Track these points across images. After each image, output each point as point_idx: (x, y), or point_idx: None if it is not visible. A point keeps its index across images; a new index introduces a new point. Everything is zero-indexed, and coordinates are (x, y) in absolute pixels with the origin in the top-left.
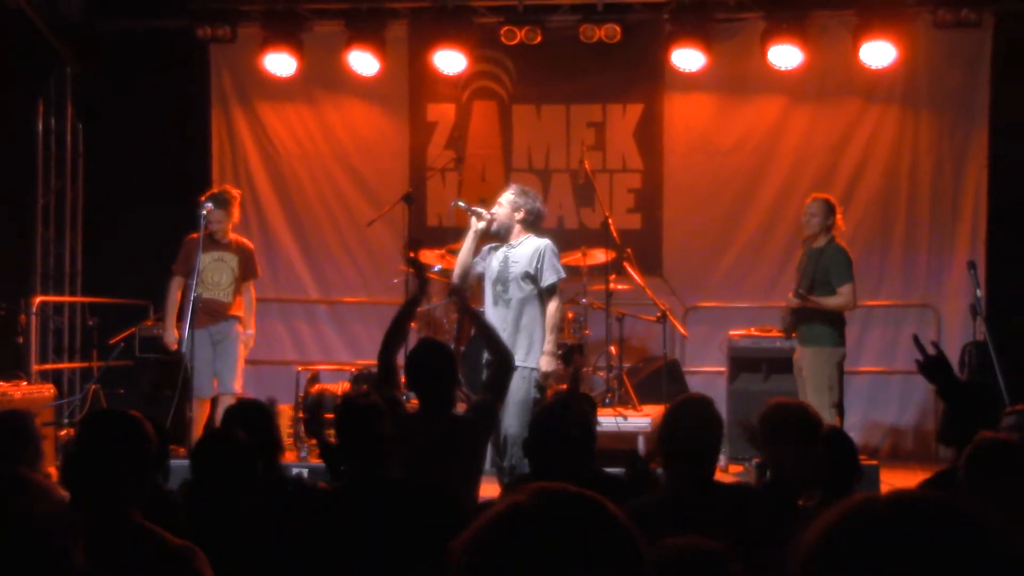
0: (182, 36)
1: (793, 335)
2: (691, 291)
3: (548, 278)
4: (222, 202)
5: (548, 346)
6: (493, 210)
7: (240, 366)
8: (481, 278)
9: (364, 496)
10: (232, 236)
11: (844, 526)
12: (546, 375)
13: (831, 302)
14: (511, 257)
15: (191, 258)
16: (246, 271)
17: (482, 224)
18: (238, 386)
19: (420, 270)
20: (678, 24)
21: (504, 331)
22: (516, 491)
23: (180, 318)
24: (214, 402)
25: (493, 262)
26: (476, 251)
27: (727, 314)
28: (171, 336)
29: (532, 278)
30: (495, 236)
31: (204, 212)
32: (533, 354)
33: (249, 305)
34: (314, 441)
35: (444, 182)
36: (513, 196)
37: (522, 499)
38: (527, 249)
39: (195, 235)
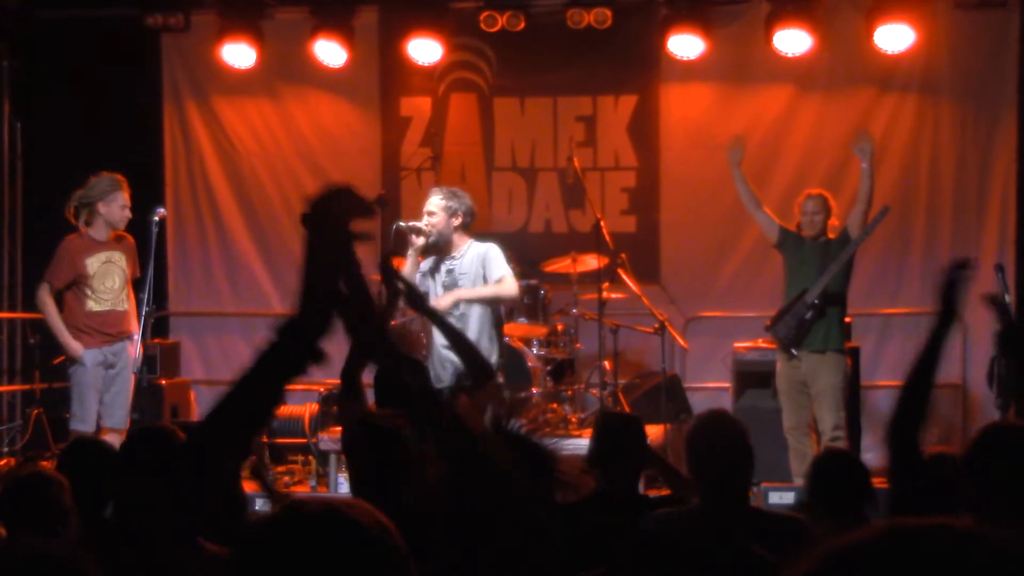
0: (130, 25)
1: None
2: (692, 300)
3: (500, 270)
4: (121, 186)
5: (465, 293)
6: (426, 220)
7: (131, 399)
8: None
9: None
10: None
11: (840, 559)
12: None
13: None
14: (457, 269)
15: (76, 264)
16: (134, 271)
17: (421, 240)
18: (127, 422)
19: (392, 280)
20: (674, 8)
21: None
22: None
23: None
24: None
25: (438, 278)
26: (417, 265)
27: (731, 325)
28: (76, 346)
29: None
30: (435, 248)
31: (157, 218)
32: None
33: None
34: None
35: (420, 183)
36: (444, 201)
37: (272, 514)
38: (472, 259)
39: (74, 236)
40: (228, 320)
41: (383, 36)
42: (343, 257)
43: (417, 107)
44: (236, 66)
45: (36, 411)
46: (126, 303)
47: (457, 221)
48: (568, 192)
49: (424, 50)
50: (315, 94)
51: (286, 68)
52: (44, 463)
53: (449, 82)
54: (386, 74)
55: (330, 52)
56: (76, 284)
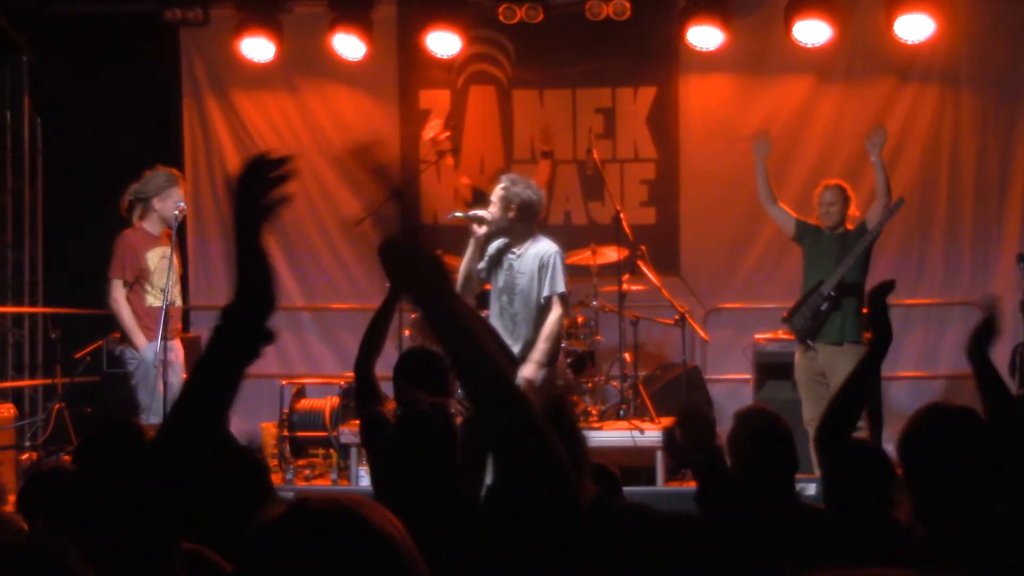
0: (149, 20)
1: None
2: (712, 291)
3: (549, 288)
4: (177, 181)
5: (537, 355)
6: (489, 209)
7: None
8: (487, 280)
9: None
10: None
11: None
12: (529, 382)
13: None
14: (516, 267)
15: (140, 257)
16: (178, 262)
17: (483, 229)
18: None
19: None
20: None
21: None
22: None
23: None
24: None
25: (499, 271)
26: (481, 254)
27: (752, 316)
28: (143, 341)
29: (537, 290)
30: (497, 237)
31: (177, 212)
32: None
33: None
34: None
35: (439, 176)
36: (502, 191)
37: (278, 512)
38: (531, 258)
39: (129, 230)
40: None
41: (402, 29)
42: (261, 234)
43: (436, 100)
44: (255, 60)
45: (58, 405)
46: (179, 299)
47: (512, 213)
48: (587, 184)
49: (443, 43)
50: (334, 87)
51: (305, 62)
52: (66, 457)
53: (468, 75)
54: (405, 67)
55: (349, 45)
56: (137, 280)
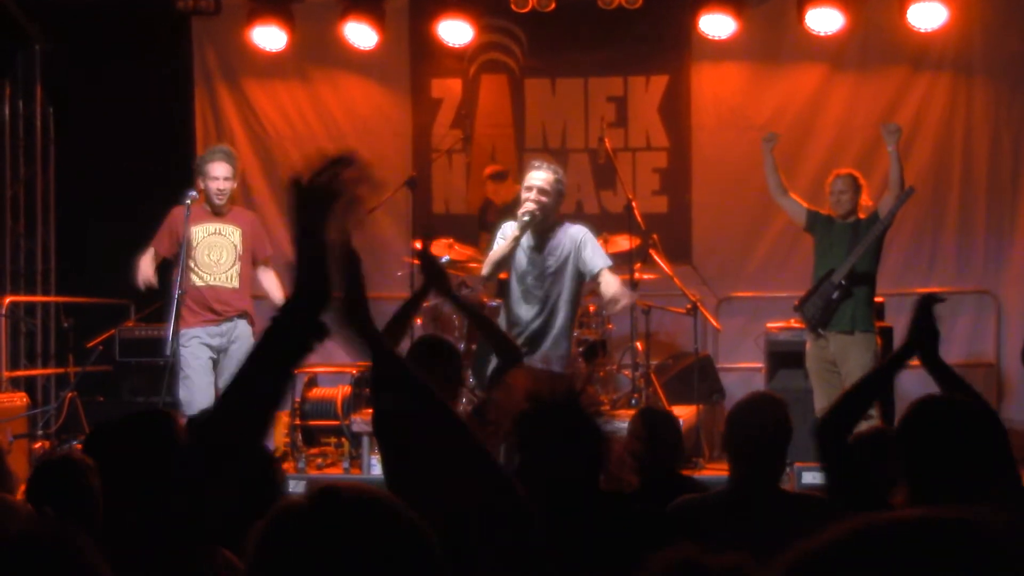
0: (161, 9)
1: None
2: (724, 280)
3: (599, 263)
4: (231, 157)
5: (627, 301)
6: (535, 197)
7: None
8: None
9: None
10: (230, 205)
11: (844, 542)
12: (613, 297)
13: None
14: (546, 250)
15: (176, 231)
16: (256, 248)
17: (527, 218)
18: None
19: (429, 263)
20: None
21: (530, 329)
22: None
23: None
24: None
25: (521, 254)
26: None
27: (764, 305)
28: (144, 276)
29: (572, 272)
30: (537, 226)
31: (189, 201)
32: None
33: (275, 287)
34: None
35: (451, 165)
36: (556, 183)
37: (298, 499)
38: (563, 239)
39: (182, 207)
40: (260, 303)
41: (413, 18)
42: (325, 230)
43: (448, 89)
44: (267, 49)
45: (70, 394)
46: (236, 280)
47: (561, 201)
48: (599, 173)
49: (455, 31)
50: (346, 76)
51: (317, 51)
52: (78, 446)
53: (480, 63)
54: (417, 56)
55: (360, 34)
56: (176, 256)
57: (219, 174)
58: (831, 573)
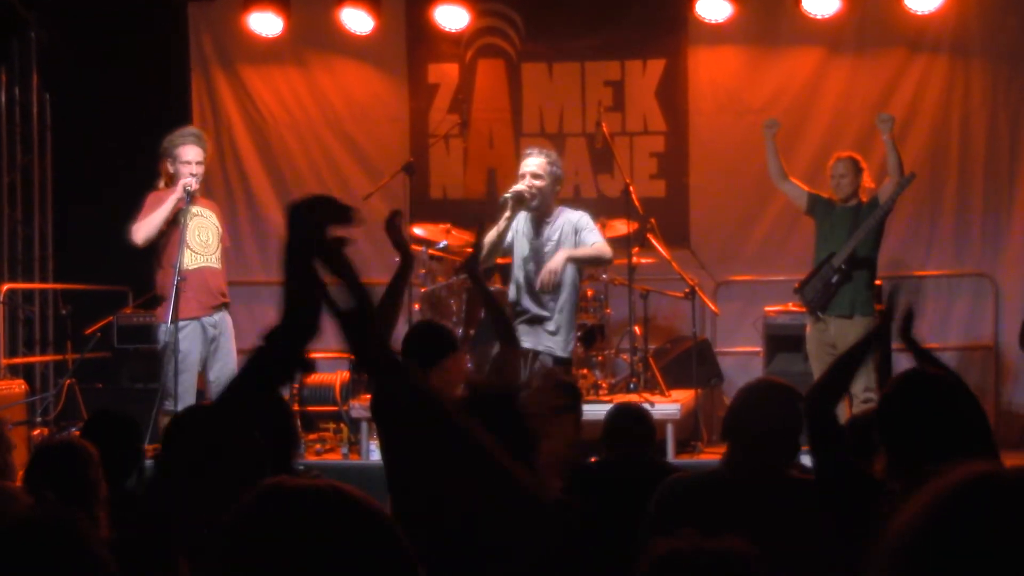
0: None
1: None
2: (722, 264)
3: (591, 238)
4: (202, 140)
5: (574, 251)
6: (529, 182)
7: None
8: (508, 253)
9: None
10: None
11: (959, 501)
12: (550, 271)
13: None
14: (545, 235)
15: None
16: (225, 233)
17: (509, 194)
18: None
19: (400, 242)
20: None
21: (531, 313)
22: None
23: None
24: None
25: (523, 240)
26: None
27: (762, 289)
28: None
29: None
30: (533, 211)
31: (190, 189)
32: (560, 343)
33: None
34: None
35: (448, 150)
36: (550, 166)
37: (247, 498)
38: (563, 224)
39: (162, 190)
40: (258, 289)
41: (410, 3)
42: (313, 263)
43: (445, 74)
44: (263, 34)
45: (68, 381)
46: (220, 262)
47: (558, 187)
48: (597, 157)
49: (451, 16)
50: (342, 62)
51: (313, 36)
52: (76, 432)
53: (476, 48)
54: (413, 41)
55: (357, 19)
56: (168, 236)
57: (192, 158)
58: (947, 532)
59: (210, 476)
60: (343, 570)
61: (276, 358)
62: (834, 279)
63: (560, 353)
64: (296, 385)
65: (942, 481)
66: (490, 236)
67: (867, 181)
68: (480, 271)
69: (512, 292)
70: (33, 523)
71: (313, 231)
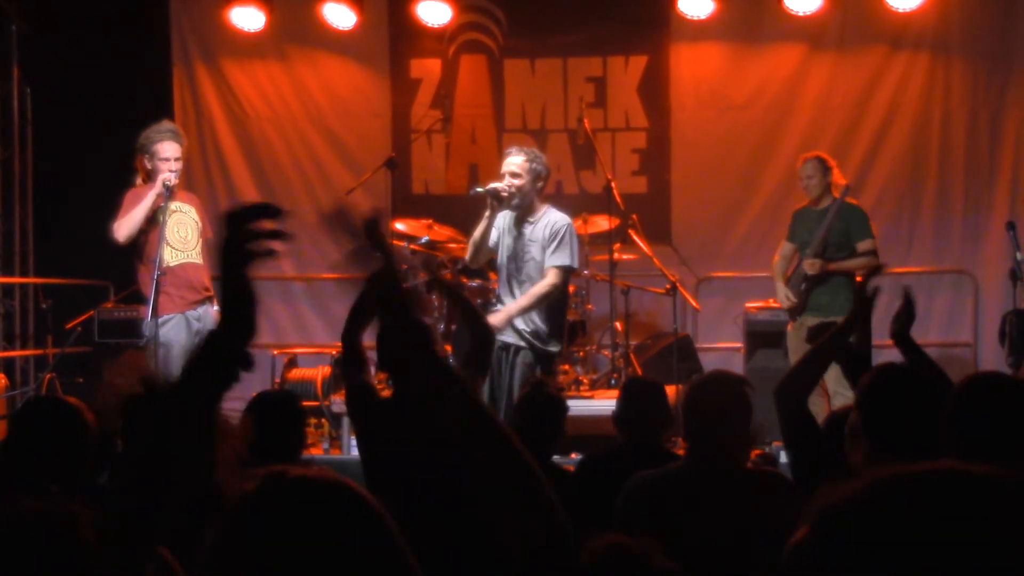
0: None
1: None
2: (703, 260)
3: (556, 259)
4: (179, 136)
5: (511, 307)
6: (508, 181)
7: None
8: (494, 249)
9: None
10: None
11: (875, 493)
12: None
13: (858, 262)
14: (527, 235)
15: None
16: (205, 227)
17: (480, 189)
18: None
19: (378, 242)
20: None
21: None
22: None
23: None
24: None
25: (507, 237)
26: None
27: (743, 285)
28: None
29: (543, 260)
30: (515, 209)
31: (170, 184)
32: (543, 339)
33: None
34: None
35: (430, 145)
36: (530, 164)
37: (251, 487)
38: (544, 227)
39: (141, 187)
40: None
41: None
42: (247, 264)
43: (427, 69)
44: (245, 29)
45: (49, 375)
46: (201, 257)
47: (540, 184)
48: (579, 153)
49: (433, 12)
50: (325, 57)
51: (295, 30)
52: None
53: (459, 44)
54: (396, 36)
55: (339, 14)
56: (147, 234)
57: (170, 154)
58: (861, 521)
59: (170, 460)
60: (344, 563)
61: (220, 357)
62: (803, 286)
63: (542, 347)
64: (278, 380)
65: (848, 485)
66: (474, 237)
67: (838, 178)
68: (438, 267)
69: (499, 288)
70: (31, 518)
71: (243, 232)
